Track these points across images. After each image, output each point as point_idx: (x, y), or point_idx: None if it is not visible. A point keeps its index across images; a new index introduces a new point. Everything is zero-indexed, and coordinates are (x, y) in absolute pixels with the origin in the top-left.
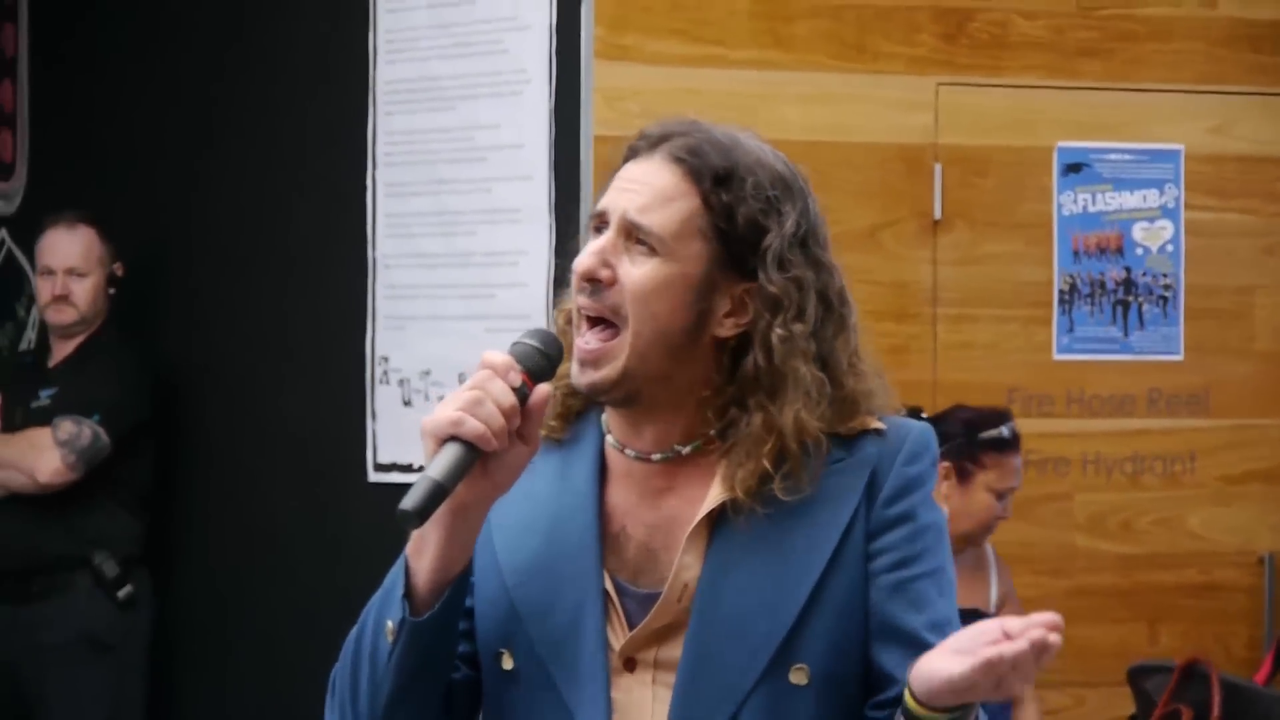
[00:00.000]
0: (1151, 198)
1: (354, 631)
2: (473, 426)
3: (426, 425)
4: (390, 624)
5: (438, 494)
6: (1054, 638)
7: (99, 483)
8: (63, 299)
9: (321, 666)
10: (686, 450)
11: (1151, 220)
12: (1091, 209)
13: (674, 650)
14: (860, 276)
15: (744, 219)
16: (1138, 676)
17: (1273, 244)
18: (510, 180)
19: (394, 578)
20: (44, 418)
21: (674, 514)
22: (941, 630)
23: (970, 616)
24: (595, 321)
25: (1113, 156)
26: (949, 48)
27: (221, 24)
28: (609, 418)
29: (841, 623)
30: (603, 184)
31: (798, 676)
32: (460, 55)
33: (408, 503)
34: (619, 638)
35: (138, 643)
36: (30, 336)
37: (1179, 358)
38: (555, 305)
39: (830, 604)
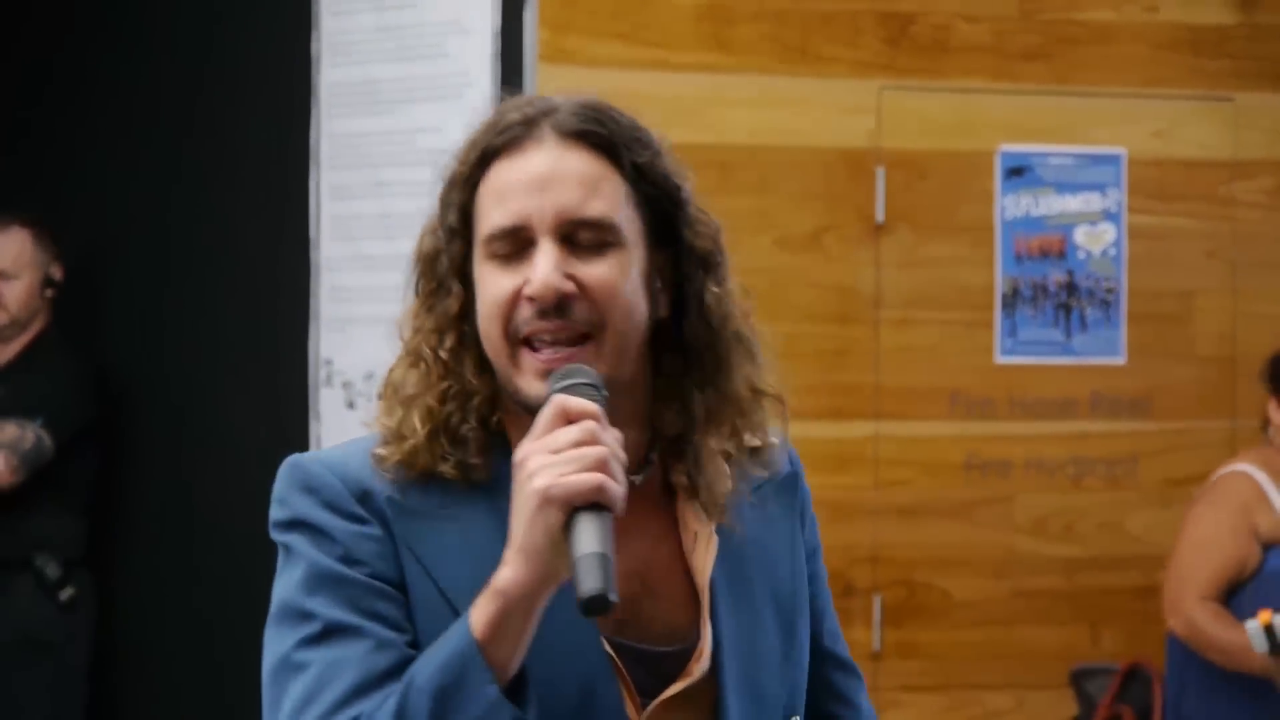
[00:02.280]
0: (1094, 201)
1: None
2: (616, 491)
3: (554, 491)
4: None
5: (612, 570)
6: None
7: (41, 485)
8: None
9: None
10: (639, 480)
11: (1094, 224)
12: (1034, 212)
13: (686, 711)
14: (803, 279)
15: (660, 178)
16: (1080, 678)
17: (1214, 247)
18: None
19: (453, 671)
20: None
21: (648, 558)
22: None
23: None
24: (557, 344)
25: (1055, 160)
26: (891, 51)
27: (163, 27)
28: None
29: (805, 661)
30: (453, 197)
31: None
32: (403, 59)
33: (597, 587)
34: (629, 704)
35: (79, 644)
36: None
37: (1121, 361)
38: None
39: (802, 645)
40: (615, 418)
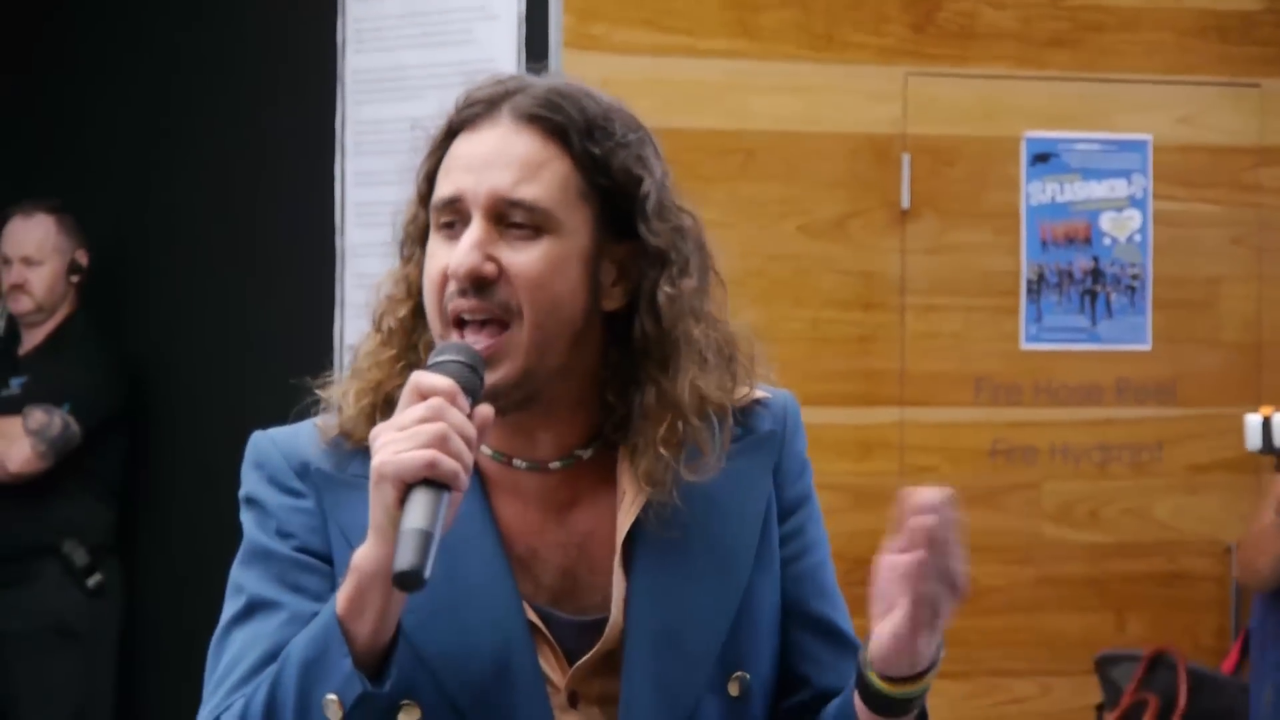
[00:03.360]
0: (1119, 188)
1: (255, 707)
2: (449, 466)
3: (387, 468)
4: (334, 697)
5: (430, 547)
6: (926, 519)
7: (69, 472)
8: (19, 287)
9: None
10: (587, 454)
11: (1119, 210)
12: (1059, 199)
13: (614, 675)
14: (828, 265)
15: (619, 170)
16: (1105, 665)
17: (1240, 234)
18: None
19: (319, 643)
20: (14, 407)
21: (589, 529)
22: (848, 620)
23: None
24: (484, 324)
25: (1081, 146)
26: (917, 38)
27: (188, 14)
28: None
29: (772, 622)
30: (423, 166)
31: (735, 687)
32: (429, 45)
33: (409, 563)
34: (556, 672)
35: (107, 631)
36: (0, 324)
37: (1147, 347)
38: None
39: (760, 603)
40: (555, 402)
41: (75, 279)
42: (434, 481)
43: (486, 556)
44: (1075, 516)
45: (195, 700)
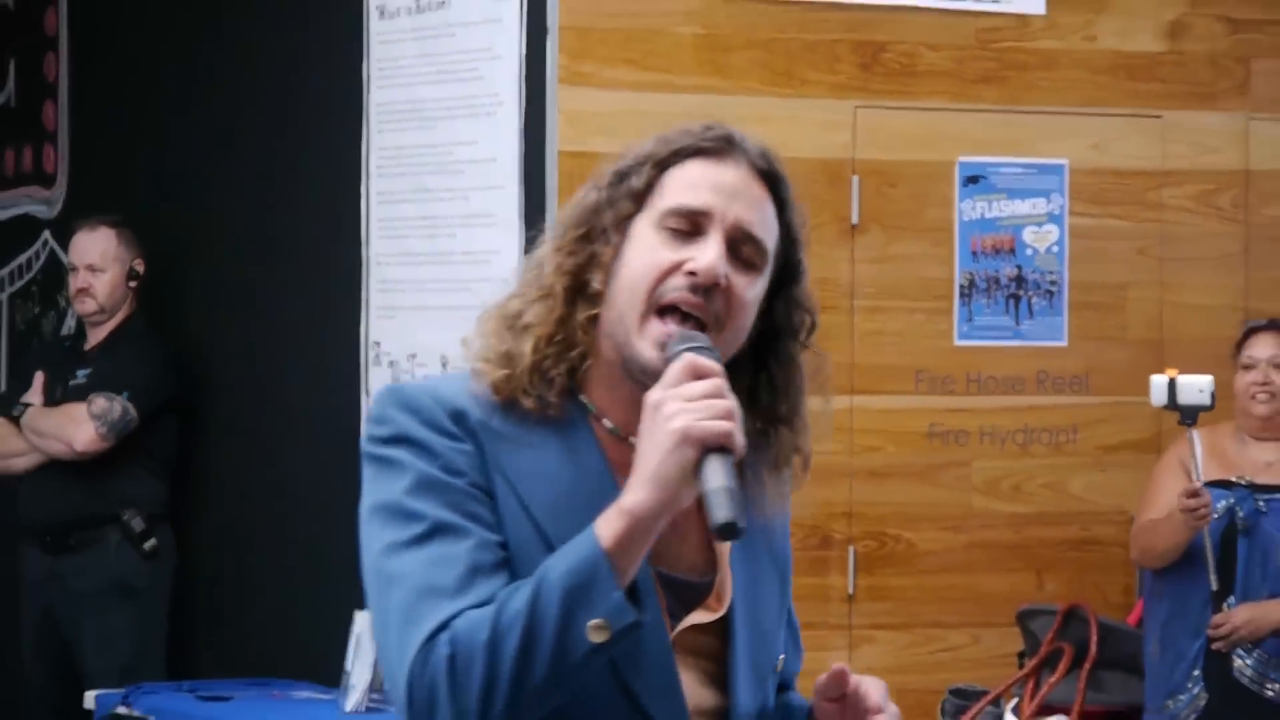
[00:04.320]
0: (1040, 205)
1: (495, 632)
2: (741, 440)
3: (694, 432)
4: (600, 622)
5: (740, 502)
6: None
7: (128, 450)
8: (84, 291)
9: (321, 608)
10: None
11: (1040, 225)
12: (988, 215)
13: (702, 638)
14: None
15: (795, 246)
16: (1026, 618)
17: (1144, 246)
18: (485, 189)
19: (583, 574)
20: (80, 394)
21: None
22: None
23: None
24: (687, 318)
25: (1006, 170)
26: (865, 75)
27: (238, 56)
28: (604, 402)
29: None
30: (648, 175)
31: (778, 666)
32: (442, 81)
33: (731, 515)
34: (665, 619)
35: (161, 589)
36: (70, 324)
37: (1063, 344)
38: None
39: (789, 600)
40: None
41: (133, 284)
42: (723, 448)
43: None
44: (1001, 490)
45: (236, 648)
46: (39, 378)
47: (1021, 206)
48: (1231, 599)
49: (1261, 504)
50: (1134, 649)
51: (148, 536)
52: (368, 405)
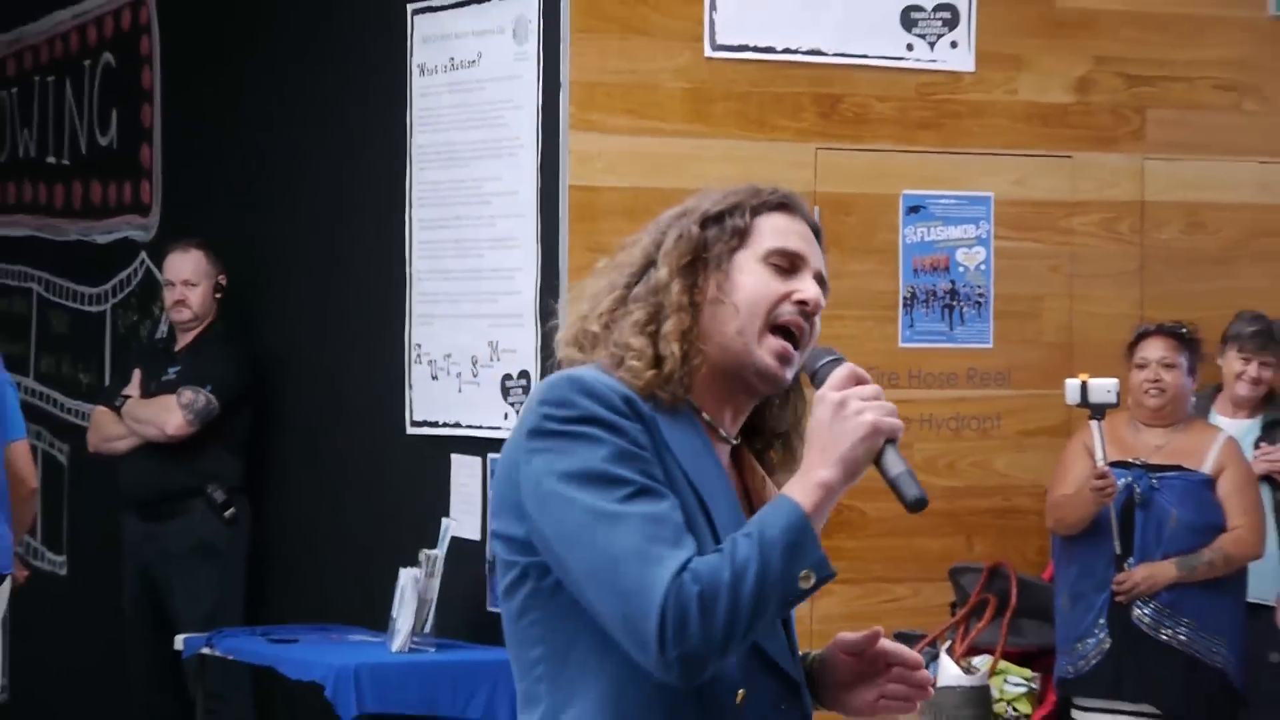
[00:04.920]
0: (970, 231)
1: (734, 575)
2: (901, 433)
3: (884, 425)
4: (809, 572)
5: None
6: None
7: (211, 434)
8: (180, 303)
9: (371, 566)
10: (737, 441)
11: (970, 247)
12: (927, 239)
13: None
14: None
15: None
16: (957, 574)
17: (1056, 264)
18: (508, 217)
19: (796, 532)
20: (171, 388)
21: (744, 487)
22: None
23: None
24: (789, 336)
25: (942, 201)
26: (824, 122)
27: (304, 107)
28: (701, 399)
29: None
30: (745, 213)
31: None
32: (471, 127)
33: (919, 492)
34: None
35: (239, 550)
36: (163, 329)
37: (989, 346)
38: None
39: None
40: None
41: (218, 295)
42: (893, 440)
43: (730, 494)
44: (937, 467)
45: (302, 598)
46: (136, 374)
47: (955, 232)
48: (1131, 560)
49: (1154, 481)
50: (1047, 601)
51: (228, 506)
52: (410, 396)
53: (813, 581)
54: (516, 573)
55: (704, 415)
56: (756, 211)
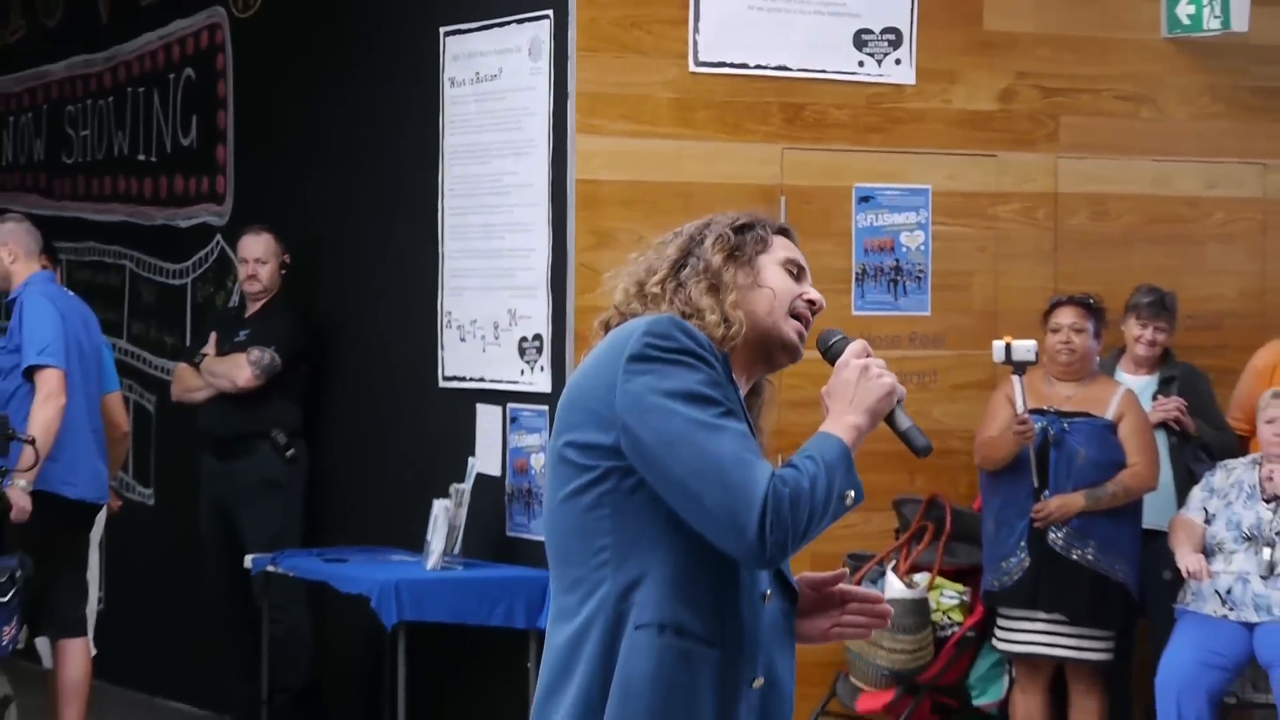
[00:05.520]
0: (912, 218)
1: (810, 483)
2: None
3: (899, 389)
4: (852, 493)
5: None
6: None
7: (275, 387)
8: (253, 277)
9: (410, 497)
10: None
11: (911, 231)
12: (875, 224)
13: None
14: None
15: None
16: (900, 505)
17: (984, 246)
18: (524, 206)
19: (843, 461)
20: (241, 348)
21: None
22: None
23: None
24: (798, 319)
25: (889, 193)
26: (790, 127)
27: (354, 113)
28: (735, 368)
29: None
30: (769, 234)
31: None
32: (494, 129)
33: (926, 442)
34: None
35: (298, 484)
36: (234, 299)
37: (928, 314)
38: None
39: None
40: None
41: (283, 271)
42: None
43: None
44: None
45: (352, 524)
46: (212, 336)
47: (899, 218)
48: (1047, 492)
49: (1066, 426)
50: (976, 527)
51: (289, 447)
52: (442, 356)
53: (850, 499)
54: (596, 474)
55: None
56: (770, 229)
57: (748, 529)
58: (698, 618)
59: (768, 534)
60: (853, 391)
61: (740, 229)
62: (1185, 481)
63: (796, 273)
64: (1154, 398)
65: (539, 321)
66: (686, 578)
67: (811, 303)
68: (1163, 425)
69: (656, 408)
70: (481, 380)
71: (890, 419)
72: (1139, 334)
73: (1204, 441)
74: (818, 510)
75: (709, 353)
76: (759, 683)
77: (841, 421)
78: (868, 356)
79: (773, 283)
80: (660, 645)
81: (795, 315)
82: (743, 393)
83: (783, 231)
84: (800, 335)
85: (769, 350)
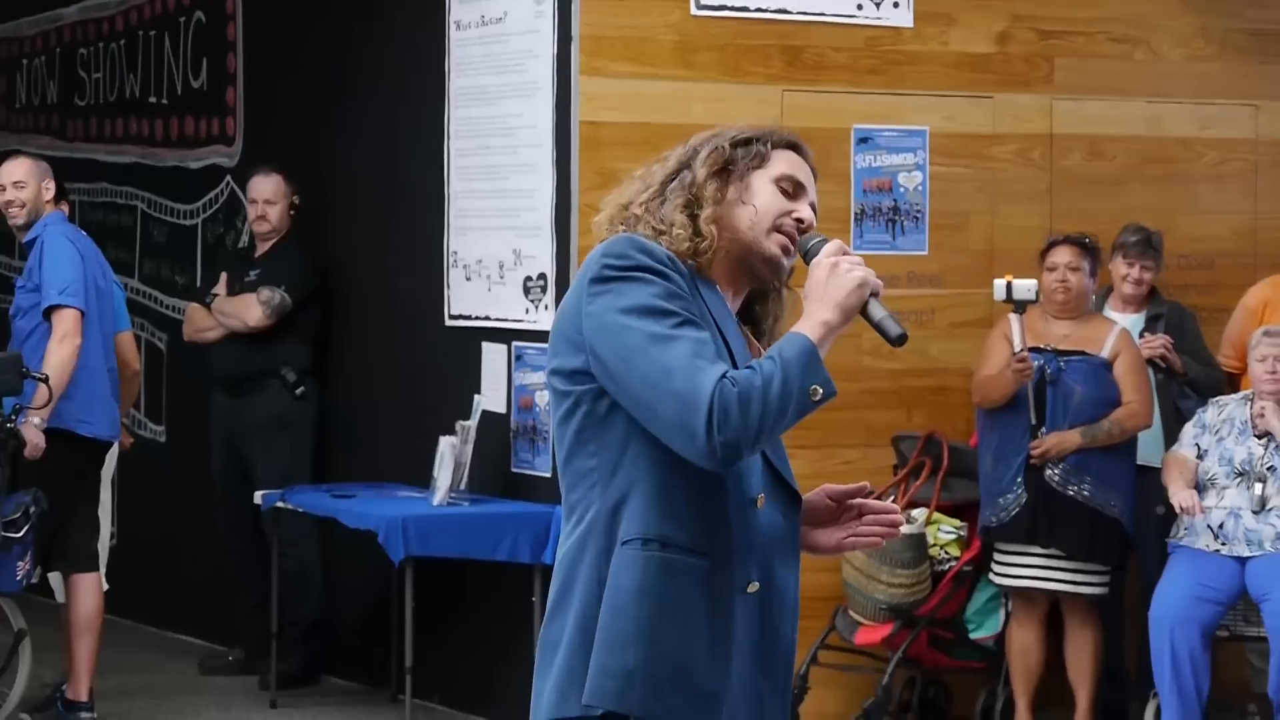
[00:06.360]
0: (909, 159)
1: (764, 382)
2: (882, 289)
3: (870, 279)
4: (817, 388)
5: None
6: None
7: (285, 326)
8: (262, 218)
9: (416, 434)
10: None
11: (909, 172)
12: (874, 165)
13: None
14: None
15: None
16: (899, 441)
17: (981, 186)
18: (528, 147)
19: (808, 357)
20: (252, 288)
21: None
22: None
23: None
24: (785, 234)
25: (887, 134)
26: (790, 69)
27: (362, 56)
28: (720, 280)
29: None
30: (769, 148)
31: None
32: (498, 72)
33: (900, 330)
34: None
35: (308, 422)
36: (245, 239)
37: (925, 253)
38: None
39: None
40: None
41: (293, 212)
42: (876, 293)
43: (741, 339)
44: (883, 353)
45: (359, 461)
46: (223, 277)
47: (897, 159)
48: (1044, 429)
49: (1062, 364)
50: (973, 463)
51: (299, 385)
52: (448, 294)
53: (819, 395)
54: (571, 401)
55: (717, 289)
56: (775, 144)
57: (696, 432)
58: (683, 529)
59: (715, 434)
60: (823, 288)
61: (738, 144)
62: (1171, 417)
63: (792, 189)
64: (1141, 335)
65: (544, 261)
66: (670, 490)
67: (800, 220)
68: (1149, 362)
69: (614, 325)
70: (487, 319)
71: (865, 311)
72: (1125, 272)
73: (1190, 378)
74: (772, 408)
75: (668, 265)
76: (754, 587)
77: (810, 320)
78: (842, 255)
79: (758, 200)
80: (645, 558)
81: (781, 232)
82: (733, 306)
83: (792, 146)
84: (784, 248)
85: (750, 264)
